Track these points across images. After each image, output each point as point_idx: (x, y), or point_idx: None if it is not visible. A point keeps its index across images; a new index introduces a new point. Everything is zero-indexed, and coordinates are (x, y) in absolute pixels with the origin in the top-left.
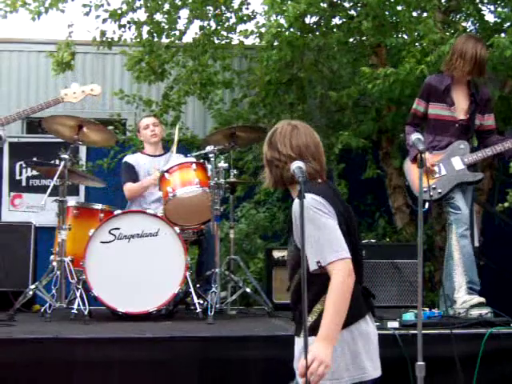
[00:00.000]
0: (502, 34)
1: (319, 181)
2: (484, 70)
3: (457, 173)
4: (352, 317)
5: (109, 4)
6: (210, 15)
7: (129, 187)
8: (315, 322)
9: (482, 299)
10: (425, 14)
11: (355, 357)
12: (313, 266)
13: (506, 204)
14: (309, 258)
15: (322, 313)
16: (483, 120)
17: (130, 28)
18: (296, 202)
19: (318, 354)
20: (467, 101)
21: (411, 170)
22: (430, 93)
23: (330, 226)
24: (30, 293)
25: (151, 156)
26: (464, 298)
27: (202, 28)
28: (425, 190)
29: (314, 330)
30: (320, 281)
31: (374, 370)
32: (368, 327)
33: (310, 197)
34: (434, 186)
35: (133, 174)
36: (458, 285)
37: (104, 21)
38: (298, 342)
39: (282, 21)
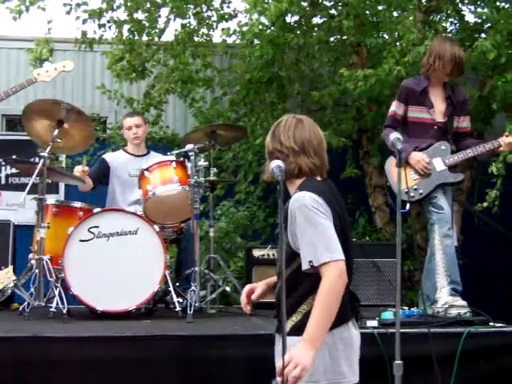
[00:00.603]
0: (483, 35)
1: (318, 178)
2: (463, 69)
3: (438, 173)
4: (336, 321)
5: (86, 4)
6: (190, 13)
7: None
8: (299, 321)
9: (464, 303)
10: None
11: (334, 361)
12: (305, 266)
13: (485, 204)
14: (302, 257)
15: (307, 313)
16: (459, 122)
17: (110, 27)
18: (293, 199)
19: (296, 355)
20: (444, 103)
21: (393, 171)
22: (408, 95)
23: (326, 227)
24: (9, 291)
25: (133, 156)
26: (446, 300)
27: (183, 26)
28: (405, 191)
29: (297, 329)
30: (309, 281)
31: (352, 376)
32: (350, 333)
33: (308, 195)
34: (415, 187)
35: (99, 171)
36: (440, 285)
37: (84, 21)
38: (279, 340)
39: (263, 19)
